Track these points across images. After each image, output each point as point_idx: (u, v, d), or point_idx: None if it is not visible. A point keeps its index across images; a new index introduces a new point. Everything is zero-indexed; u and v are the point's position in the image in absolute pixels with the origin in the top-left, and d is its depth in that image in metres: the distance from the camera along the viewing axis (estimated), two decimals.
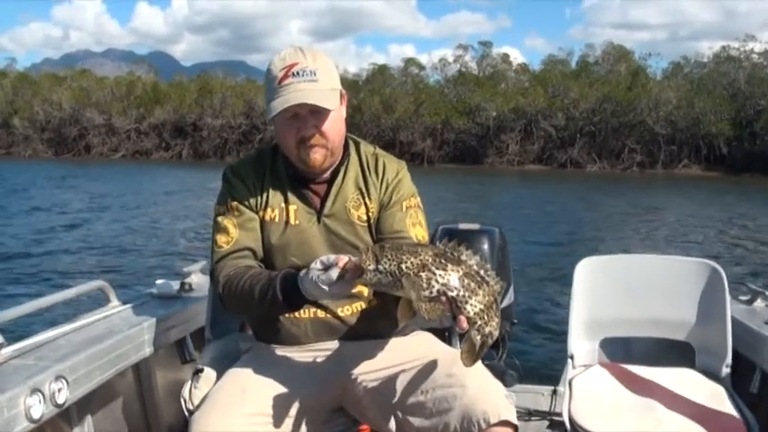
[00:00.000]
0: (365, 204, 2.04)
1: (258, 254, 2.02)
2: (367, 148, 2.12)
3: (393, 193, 2.05)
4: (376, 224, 2.04)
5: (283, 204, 2.02)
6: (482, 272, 1.61)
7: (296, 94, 1.88)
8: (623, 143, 52.63)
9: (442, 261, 1.59)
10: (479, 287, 1.59)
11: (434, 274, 1.57)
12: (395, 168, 2.09)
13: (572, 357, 2.66)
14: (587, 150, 53.38)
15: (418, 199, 2.10)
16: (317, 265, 1.69)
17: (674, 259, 2.76)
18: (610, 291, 2.70)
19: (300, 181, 2.03)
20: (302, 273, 1.74)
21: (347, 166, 2.05)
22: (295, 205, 2.02)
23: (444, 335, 2.58)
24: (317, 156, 1.95)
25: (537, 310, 7.46)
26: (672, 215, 20.90)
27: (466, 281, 1.58)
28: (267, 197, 2.03)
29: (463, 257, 1.61)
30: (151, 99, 65.38)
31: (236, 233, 2.00)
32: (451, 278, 1.58)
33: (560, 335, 2.83)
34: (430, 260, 1.59)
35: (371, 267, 1.59)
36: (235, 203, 2.02)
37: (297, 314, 1.99)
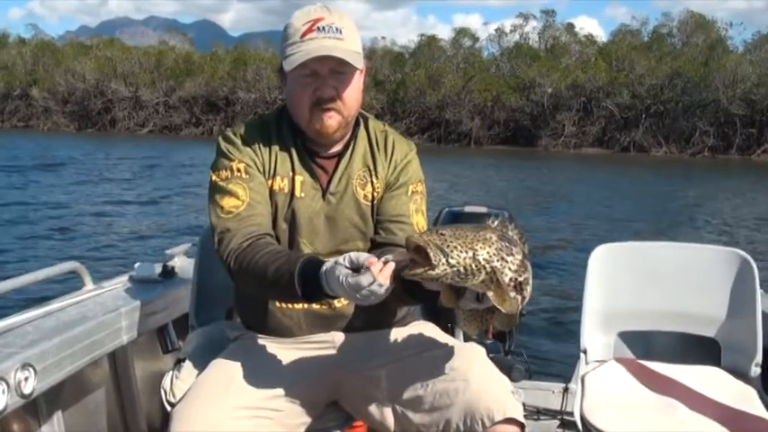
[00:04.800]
0: (371, 183, 2.04)
1: (269, 224, 1.97)
2: (376, 125, 2.12)
3: (400, 174, 2.06)
4: (378, 205, 2.04)
5: (291, 174, 2.00)
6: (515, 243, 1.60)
7: (320, 48, 1.88)
8: (694, 125, 51.23)
9: (507, 245, 1.55)
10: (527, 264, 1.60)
11: (506, 261, 1.54)
12: (404, 149, 2.10)
13: (585, 352, 2.65)
14: (653, 133, 52.06)
15: (424, 186, 2.10)
16: (344, 262, 1.61)
17: (698, 247, 2.74)
18: (627, 281, 2.68)
19: (308, 152, 2.02)
20: (326, 266, 1.67)
21: (356, 142, 2.05)
22: (302, 177, 2.00)
23: (447, 326, 2.60)
24: (331, 122, 1.94)
25: (549, 301, 7.41)
26: (736, 206, 20.38)
27: (525, 261, 1.58)
28: (276, 164, 2.00)
29: (513, 235, 1.59)
30: (182, 71, 65.12)
31: (248, 196, 1.93)
32: (518, 262, 1.55)
33: (573, 328, 2.82)
34: (497, 245, 1.53)
35: (443, 261, 1.48)
36: (243, 166, 1.97)
37: (289, 305, 1.99)
